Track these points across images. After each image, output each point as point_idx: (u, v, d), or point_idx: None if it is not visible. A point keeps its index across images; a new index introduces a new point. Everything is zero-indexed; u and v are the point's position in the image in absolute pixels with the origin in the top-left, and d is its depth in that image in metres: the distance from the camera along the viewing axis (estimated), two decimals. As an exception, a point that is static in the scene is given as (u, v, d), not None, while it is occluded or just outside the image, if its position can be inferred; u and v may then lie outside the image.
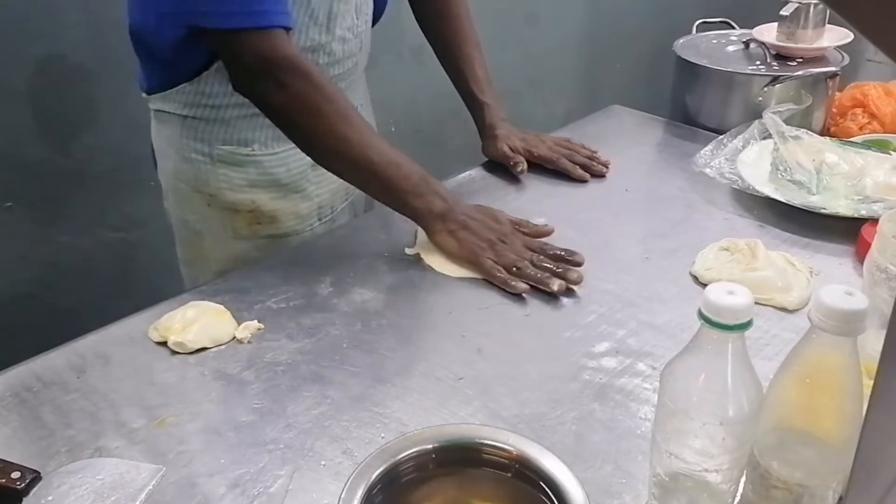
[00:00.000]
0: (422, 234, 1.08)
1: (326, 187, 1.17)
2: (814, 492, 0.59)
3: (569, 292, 0.98)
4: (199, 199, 1.14)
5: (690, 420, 0.56)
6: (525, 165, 1.26)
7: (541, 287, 0.97)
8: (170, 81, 1.07)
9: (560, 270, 0.99)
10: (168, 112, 1.10)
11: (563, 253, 1.02)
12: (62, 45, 1.55)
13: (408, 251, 1.07)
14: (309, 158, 1.07)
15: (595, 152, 1.32)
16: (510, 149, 1.28)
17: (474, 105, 1.32)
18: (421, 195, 1.03)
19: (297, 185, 1.15)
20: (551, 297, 0.97)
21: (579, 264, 1.01)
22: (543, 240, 1.06)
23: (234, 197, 1.12)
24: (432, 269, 1.04)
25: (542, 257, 1.01)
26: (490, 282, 1.00)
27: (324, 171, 1.09)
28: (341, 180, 1.10)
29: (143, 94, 1.13)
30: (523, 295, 0.97)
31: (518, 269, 0.99)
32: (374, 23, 1.20)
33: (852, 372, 0.55)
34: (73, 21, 1.54)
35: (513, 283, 0.98)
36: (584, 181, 1.26)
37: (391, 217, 1.11)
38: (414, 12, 1.33)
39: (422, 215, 1.04)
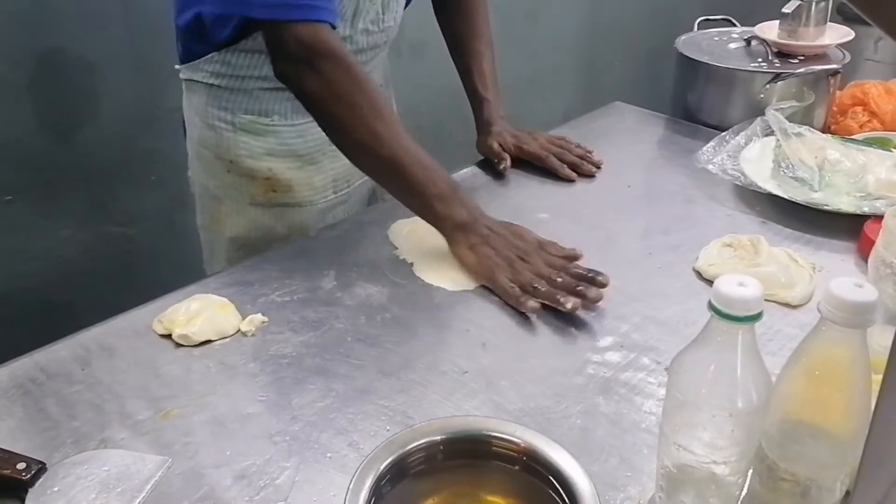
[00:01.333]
0: (406, 239, 1.08)
1: (342, 161, 1.15)
2: (821, 484, 0.59)
3: (587, 309, 0.94)
4: (219, 165, 1.17)
5: (699, 412, 0.57)
6: (508, 163, 1.26)
7: (552, 304, 0.93)
8: (200, 52, 1.11)
9: (580, 289, 0.94)
10: (197, 81, 1.14)
11: (587, 273, 0.97)
12: (63, 38, 1.55)
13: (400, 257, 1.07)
14: (317, 139, 1.09)
15: (590, 151, 1.31)
16: (499, 145, 1.28)
17: (475, 100, 1.32)
18: (446, 202, 1.01)
19: (313, 158, 1.18)
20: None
21: (603, 285, 0.95)
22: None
23: (252, 164, 1.16)
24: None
25: (562, 274, 0.97)
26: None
27: (333, 150, 1.09)
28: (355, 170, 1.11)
29: (176, 66, 1.17)
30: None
31: (534, 287, 0.95)
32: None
33: (861, 365, 0.55)
34: (74, 14, 1.53)
35: (523, 300, 0.93)
36: (570, 180, 1.25)
37: (395, 211, 1.11)
38: (433, 4, 1.34)
39: (444, 223, 1.02)
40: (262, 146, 1.15)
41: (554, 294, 0.93)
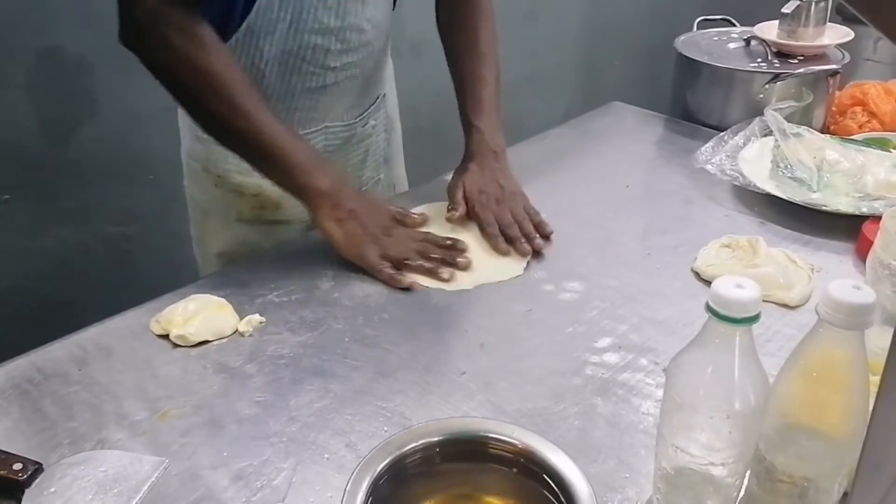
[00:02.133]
0: None
1: None
2: (819, 486, 0.59)
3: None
4: (207, 178, 1.15)
5: (697, 413, 0.56)
6: (458, 214, 1.10)
7: (432, 277, 0.98)
8: None
9: (449, 259, 1.00)
10: None
11: (449, 242, 1.04)
12: (61, 38, 1.54)
13: None
14: (320, 147, 1.07)
15: (547, 235, 1.10)
16: (463, 193, 1.12)
17: (465, 126, 1.19)
18: (309, 171, 0.99)
19: None
20: (553, 293, 0.97)
21: (463, 251, 1.03)
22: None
23: (241, 180, 1.13)
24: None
25: (428, 246, 1.01)
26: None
27: (332, 163, 1.08)
28: (352, 174, 1.10)
29: None
30: (524, 297, 0.96)
31: (407, 262, 0.99)
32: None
33: (859, 367, 0.55)
34: (72, 13, 1.53)
35: (399, 277, 0.97)
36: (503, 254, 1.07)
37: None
38: (437, 15, 1.26)
39: (308, 193, 1.00)
40: None
41: (430, 268, 0.98)
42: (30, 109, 1.56)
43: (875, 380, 0.46)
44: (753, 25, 1.47)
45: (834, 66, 1.36)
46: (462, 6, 1.22)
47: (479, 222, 1.10)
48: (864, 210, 1.08)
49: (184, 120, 1.16)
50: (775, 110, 1.25)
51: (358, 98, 1.17)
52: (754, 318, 0.54)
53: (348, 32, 1.06)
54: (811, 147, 1.18)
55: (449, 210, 1.11)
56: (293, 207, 1.13)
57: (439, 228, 1.09)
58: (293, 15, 1.00)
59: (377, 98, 1.24)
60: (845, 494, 0.60)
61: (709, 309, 0.55)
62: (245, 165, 1.08)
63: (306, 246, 1.09)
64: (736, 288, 0.54)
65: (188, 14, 0.94)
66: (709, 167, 1.23)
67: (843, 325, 0.53)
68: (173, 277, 1.13)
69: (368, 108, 1.21)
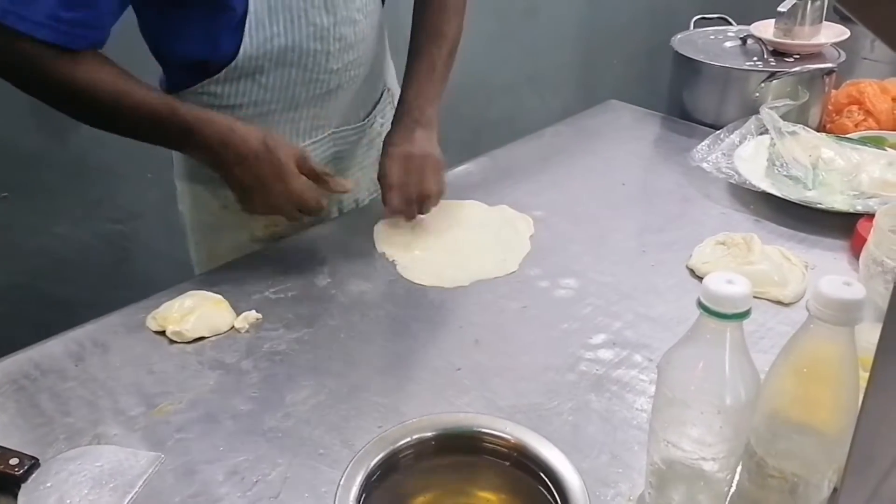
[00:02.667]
0: (389, 240, 1.08)
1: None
2: (809, 481, 0.59)
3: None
4: (214, 201, 1.12)
5: (688, 408, 0.57)
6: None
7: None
8: (178, 83, 1.03)
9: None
10: None
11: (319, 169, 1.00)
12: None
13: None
14: (327, 156, 1.09)
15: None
16: (386, 177, 1.08)
17: (398, 100, 1.14)
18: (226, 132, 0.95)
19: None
20: (548, 289, 0.98)
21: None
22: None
23: None
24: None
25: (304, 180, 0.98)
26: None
27: (345, 167, 1.07)
28: (363, 176, 1.09)
29: None
30: (521, 294, 0.96)
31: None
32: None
33: (849, 362, 0.55)
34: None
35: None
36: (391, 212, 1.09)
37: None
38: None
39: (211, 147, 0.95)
40: None
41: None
42: (28, 107, 1.56)
43: (866, 376, 0.47)
44: (750, 24, 1.47)
45: (830, 65, 1.36)
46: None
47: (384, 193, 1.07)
48: (859, 208, 1.08)
49: None
50: (771, 109, 1.26)
51: (363, 96, 1.17)
52: (745, 314, 0.54)
53: (343, 28, 1.03)
54: (806, 145, 1.18)
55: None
56: (308, 219, 1.09)
57: (435, 223, 1.10)
58: (285, 25, 0.97)
59: (382, 93, 1.23)
60: (835, 490, 0.60)
61: (700, 305, 0.55)
62: None
63: (303, 243, 1.09)
64: (727, 284, 0.54)
65: (28, 51, 0.87)
66: (705, 165, 1.23)
67: (833, 322, 0.54)
68: (171, 274, 1.14)
69: (375, 106, 1.21)
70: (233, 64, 0.98)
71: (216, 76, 0.99)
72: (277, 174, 0.96)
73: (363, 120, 1.18)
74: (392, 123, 1.12)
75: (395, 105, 1.14)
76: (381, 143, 1.11)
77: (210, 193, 1.12)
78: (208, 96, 1.01)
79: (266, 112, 1.04)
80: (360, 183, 1.22)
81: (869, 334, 0.66)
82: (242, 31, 0.95)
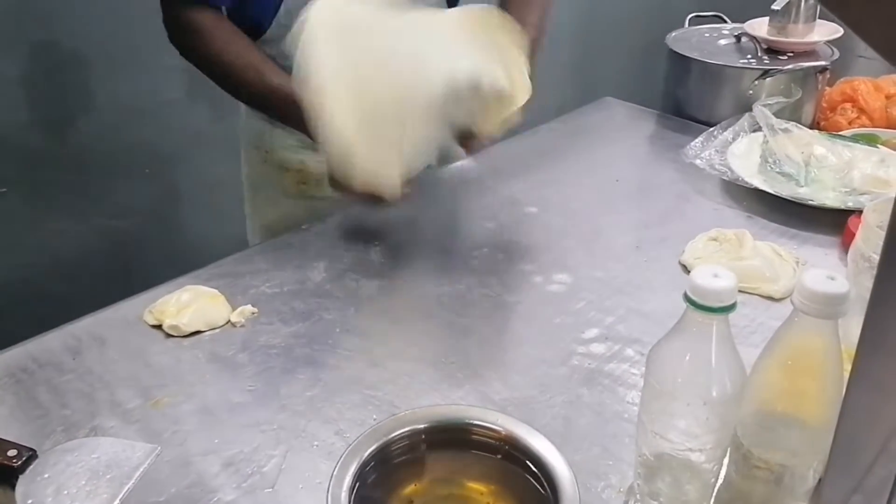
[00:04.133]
0: None
1: None
2: (794, 472, 0.60)
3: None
4: (257, 155, 1.23)
5: (675, 400, 0.58)
6: None
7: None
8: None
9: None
10: None
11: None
12: (57, 32, 1.55)
13: None
14: None
15: None
16: None
17: None
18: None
19: None
20: (541, 284, 0.99)
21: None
22: None
23: (285, 155, 1.19)
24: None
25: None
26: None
27: None
28: None
29: None
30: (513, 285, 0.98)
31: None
32: None
33: (833, 355, 0.56)
34: (67, 8, 1.54)
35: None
36: None
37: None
38: None
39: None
40: (295, 138, 1.16)
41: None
42: (26, 104, 1.57)
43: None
44: (744, 22, 1.48)
45: (823, 63, 1.37)
46: None
47: None
48: (850, 204, 1.09)
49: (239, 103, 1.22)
50: (764, 106, 1.27)
51: None
52: (730, 308, 0.55)
53: None
54: (799, 142, 1.19)
55: None
56: None
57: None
58: None
59: None
60: (821, 480, 0.61)
61: (686, 298, 0.56)
62: (290, 142, 1.17)
63: (298, 238, 1.10)
64: (713, 278, 0.55)
65: (201, 19, 1.04)
66: (698, 162, 1.24)
67: (818, 315, 0.55)
68: (168, 269, 1.14)
69: None
70: (268, 32, 1.07)
71: (260, 38, 1.08)
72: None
73: None
74: None
75: None
76: None
77: (254, 146, 1.23)
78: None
79: None
80: None
81: (857, 329, 0.67)
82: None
